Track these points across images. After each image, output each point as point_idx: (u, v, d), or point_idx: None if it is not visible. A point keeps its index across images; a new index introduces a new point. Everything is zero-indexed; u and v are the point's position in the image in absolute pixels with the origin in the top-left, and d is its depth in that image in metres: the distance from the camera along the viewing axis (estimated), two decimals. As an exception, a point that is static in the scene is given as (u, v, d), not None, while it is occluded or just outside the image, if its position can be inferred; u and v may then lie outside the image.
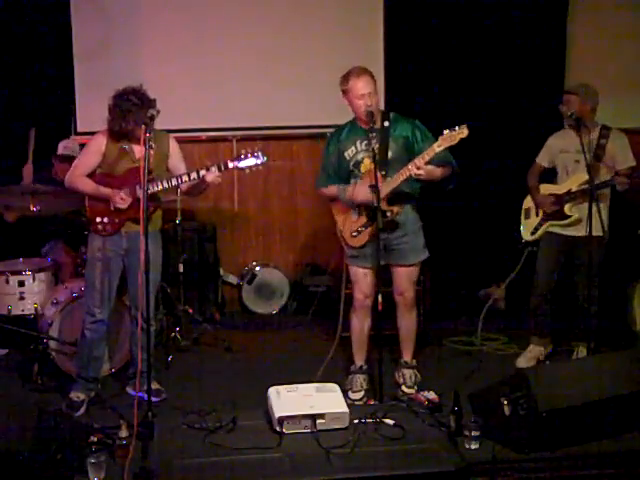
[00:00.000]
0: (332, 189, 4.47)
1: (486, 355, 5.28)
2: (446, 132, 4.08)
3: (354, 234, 4.40)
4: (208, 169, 4.22)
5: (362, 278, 4.48)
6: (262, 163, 4.27)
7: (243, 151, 4.26)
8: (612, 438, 3.62)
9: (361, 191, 4.27)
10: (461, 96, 6.24)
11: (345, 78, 4.28)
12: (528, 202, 5.18)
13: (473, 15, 6.29)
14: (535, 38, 6.35)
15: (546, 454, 3.51)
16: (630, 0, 6.45)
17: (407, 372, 4.59)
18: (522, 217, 5.20)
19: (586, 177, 4.60)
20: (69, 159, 5.41)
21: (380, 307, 4.11)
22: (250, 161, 4.25)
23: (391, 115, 4.36)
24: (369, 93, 4.22)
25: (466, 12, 6.28)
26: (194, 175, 4.25)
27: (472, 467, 3.43)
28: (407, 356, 4.62)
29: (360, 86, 4.22)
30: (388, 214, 4.25)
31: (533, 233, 5.09)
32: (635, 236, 5.61)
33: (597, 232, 4.47)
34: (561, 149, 4.96)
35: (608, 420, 3.62)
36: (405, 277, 4.46)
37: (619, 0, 6.51)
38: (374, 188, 4.09)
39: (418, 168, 4.11)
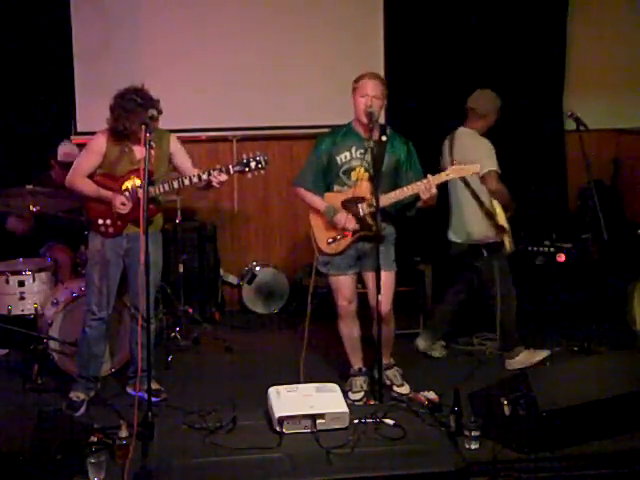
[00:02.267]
0: (318, 203, 4.40)
1: (486, 355, 5.28)
2: (455, 164, 4.25)
3: (330, 241, 4.38)
4: (210, 173, 4.19)
5: (342, 285, 4.47)
6: (264, 167, 4.24)
7: (244, 155, 4.25)
8: (612, 438, 3.62)
9: (346, 219, 4.26)
10: (461, 96, 6.23)
11: (358, 77, 4.36)
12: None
13: (473, 16, 6.29)
14: (535, 38, 6.35)
15: (546, 454, 3.52)
16: (630, 0, 6.46)
17: (390, 372, 4.60)
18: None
19: None
20: (70, 166, 5.39)
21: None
22: (252, 166, 4.22)
23: (388, 130, 4.37)
24: (373, 96, 4.25)
25: (466, 13, 6.28)
26: (195, 179, 4.23)
27: (472, 467, 3.44)
28: (385, 359, 4.54)
29: (367, 86, 4.28)
30: (374, 228, 4.21)
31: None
32: (635, 236, 5.61)
33: None
34: None
35: (608, 420, 3.62)
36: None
37: (619, 0, 6.53)
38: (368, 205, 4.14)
39: (431, 187, 4.14)
